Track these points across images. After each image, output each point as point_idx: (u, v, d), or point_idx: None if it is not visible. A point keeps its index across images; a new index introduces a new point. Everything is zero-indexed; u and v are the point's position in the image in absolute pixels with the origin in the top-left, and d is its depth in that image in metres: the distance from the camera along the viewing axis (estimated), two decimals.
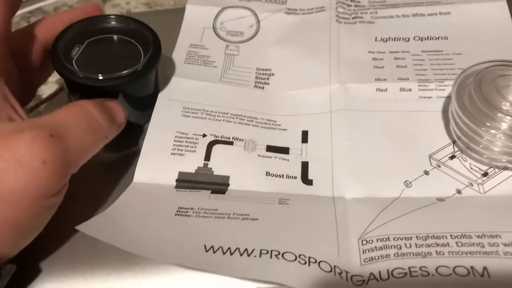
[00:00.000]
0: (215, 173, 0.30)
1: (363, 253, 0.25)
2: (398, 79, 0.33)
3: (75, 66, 0.29)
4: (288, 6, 0.40)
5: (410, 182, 0.29)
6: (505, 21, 0.36)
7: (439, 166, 0.29)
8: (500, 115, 0.27)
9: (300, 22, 0.39)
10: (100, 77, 0.28)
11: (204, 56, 0.37)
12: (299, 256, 0.24)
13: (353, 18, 0.38)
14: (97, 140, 0.25)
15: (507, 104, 0.27)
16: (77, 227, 0.24)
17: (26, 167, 0.20)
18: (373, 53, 0.36)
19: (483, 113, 0.27)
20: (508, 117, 0.27)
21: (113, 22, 0.32)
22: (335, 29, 0.38)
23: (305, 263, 0.23)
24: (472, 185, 0.28)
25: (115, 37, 0.31)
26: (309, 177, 0.30)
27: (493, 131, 0.27)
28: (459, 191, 0.28)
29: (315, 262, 0.24)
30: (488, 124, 0.27)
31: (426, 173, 0.29)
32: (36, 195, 0.21)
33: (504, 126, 0.27)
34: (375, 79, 0.34)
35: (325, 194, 0.29)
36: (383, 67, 0.34)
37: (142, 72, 0.29)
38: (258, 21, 0.40)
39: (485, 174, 0.28)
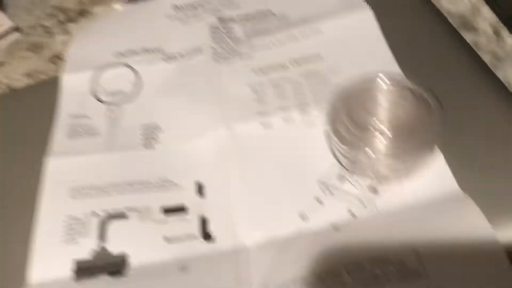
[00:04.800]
0: (112, 253, 0.29)
1: None
2: (280, 109, 0.33)
3: None
4: (166, 52, 0.40)
5: (304, 213, 0.28)
6: (374, 30, 0.36)
7: (329, 189, 0.29)
8: (371, 134, 0.27)
9: (181, 69, 0.38)
10: None
11: (86, 126, 0.36)
12: None
13: (231, 55, 0.38)
14: None
15: (375, 119, 0.28)
16: None
17: None
18: (253, 86, 0.36)
19: (356, 136, 0.28)
20: (379, 135, 0.27)
21: None
22: (215, 70, 0.37)
23: None
24: (365, 205, 0.28)
25: None
26: (209, 233, 0.29)
27: (369, 151, 0.27)
28: (353, 214, 0.28)
29: None
30: (362, 144, 0.27)
31: (318, 200, 0.29)
32: None
33: (378, 143, 0.27)
34: (258, 113, 0.33)
35: (228, 248, 0.28)
36: (264, 99, 0.34)
37: None
38: (138, 76, 0.39)
39: (375, 191, 0.28)
